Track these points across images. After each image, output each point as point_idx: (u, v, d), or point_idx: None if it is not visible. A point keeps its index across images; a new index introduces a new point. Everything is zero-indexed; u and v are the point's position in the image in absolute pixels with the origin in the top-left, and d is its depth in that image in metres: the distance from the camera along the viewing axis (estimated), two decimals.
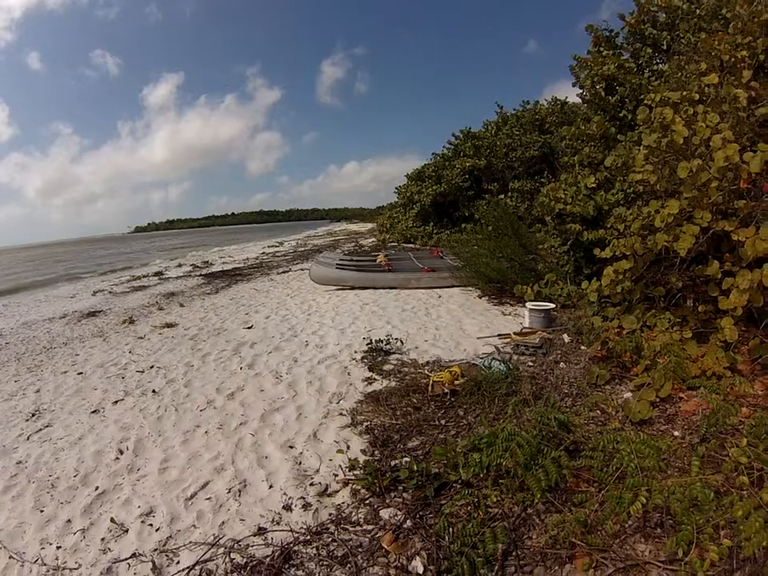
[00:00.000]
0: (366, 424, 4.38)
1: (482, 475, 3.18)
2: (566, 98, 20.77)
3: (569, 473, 2.98)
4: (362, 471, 3.53)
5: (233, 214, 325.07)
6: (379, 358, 6.08)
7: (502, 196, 18.47)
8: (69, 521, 3.60)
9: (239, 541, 3.07)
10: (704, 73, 5.90)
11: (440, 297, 10.06)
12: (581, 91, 11.52)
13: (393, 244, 25.11)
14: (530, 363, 5.63)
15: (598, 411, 4.18)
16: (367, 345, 6.51)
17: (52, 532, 3.50)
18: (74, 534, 3.43)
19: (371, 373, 5.67)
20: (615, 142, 8.40)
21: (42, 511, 3.77)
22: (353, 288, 11.66)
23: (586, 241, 7.87)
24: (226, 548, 3.03)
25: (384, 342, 6.45)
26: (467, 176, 22.73)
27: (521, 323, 7.36)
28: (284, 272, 17.07)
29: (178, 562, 2.99)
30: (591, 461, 3.00)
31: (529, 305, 7.12)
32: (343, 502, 3.33)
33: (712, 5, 8.80)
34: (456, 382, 4.89)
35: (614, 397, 4.49)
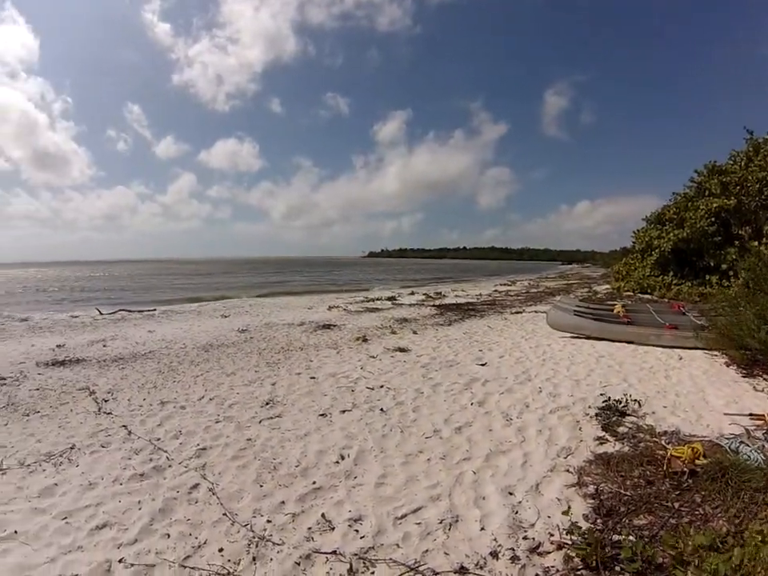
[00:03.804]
0: (592, 487, 3.95)
1: None
2: None
3: None
4: (580, 538, 3.13)
5: (464, 248, 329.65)
6: (614, 418, 5.54)
7: (756, 243, 15.85)
8: (283, 502, 3.88)
9: (438, 573, 2.94)
10: None
11: (681, 359, 8.92)
12: None
13: (628, 293, 23.27)
14: None
15: None
16: (603, 401, 6.03)
17: (266, 507, 3.80)
18: (285, 515, 3.68)
19: (604, 432, 5.18)
20: None
21: (261, 486, 4.15)
22: (588, 337, 11.00)
23: None
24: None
25: (621, 402, 5.92)
26: (713, 219, 19.90)
27: None
28: (517, 312, 16.74)
29: (373, 573, 2.97)
30: None
31: None
32: (553, 566, 3.00)
33: None
34: (697, 462, 4.19)
35: None
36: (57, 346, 11.38)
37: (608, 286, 28.55)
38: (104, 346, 11.32)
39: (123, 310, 20.39)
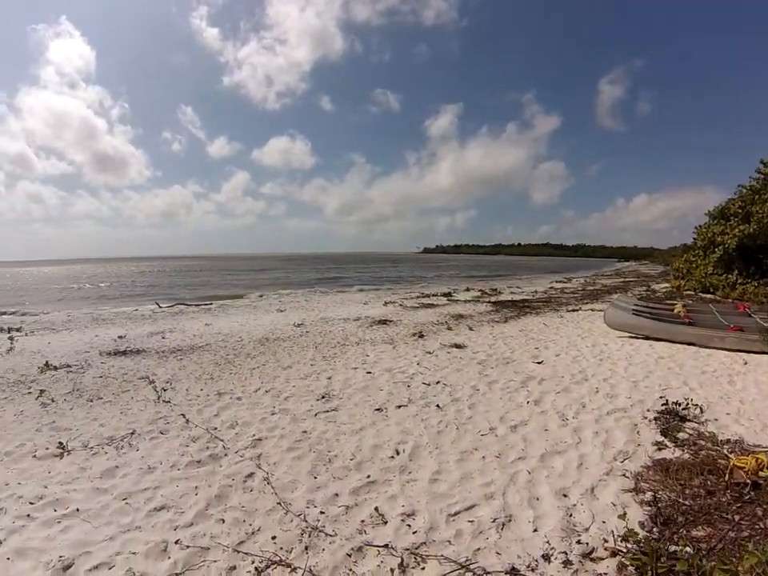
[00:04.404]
0: (649, 494, 3.83)
1: None
2: None
3: None
4: (636, 546, 3.05)
5: (519, 244, 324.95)
6: (673, 423, 5.34)
7: None
8: (336, 494, 3.94)
9: (489, 573, 2.92)
10: None
11: (746, 363, 8.51)
12: None
13: (688, 292, 22.27)
14: None
15: None
16: (662, 405, 5.83)
17: (319, 498, 3.87)
18: (339, 507, 3.74)
19: (663, 437, 5.00)
20: None
21: (315, 478, 4.22)
22: (647, 338, 10.65)
23: None
24: (474, 574, 2.90)
25: (681, 406, 5.69)
26: None
27: None
28: (573, 310, 16.41)
29: (424, 569, 2.98)
30: None
31: None
32: (606, 574, 2.92)
33: None
34: (761, 473, 3.99)
35: None
36: (118, 336, 11.89)
37: (667, 285, 27.46)
38: (163, 337, 11.74)
39: (181, 303, 21.06)
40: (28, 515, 3.69)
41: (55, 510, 3.75)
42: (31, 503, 3.86)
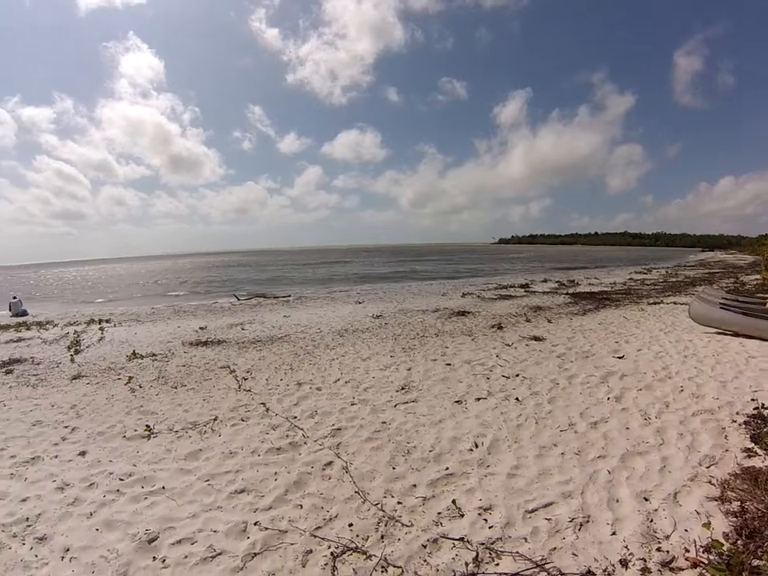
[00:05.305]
0: (736, 504, 3.65)
1: None
2: None
3: None
4: (718, 558, 2.93)
5: (596, 233, 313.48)
6: (765, 429, 5.01)
7: None
8: (414, 485, 4.01)
9: (564, 574, 2.89)
10: None
11: None
12: None
13: None
14: None
15: None
16: (754, 408, 5.50)
17: (397, 488, 3.96)
18: (416, 498, 3.81)
19: (753, 444, 4.71)
20: None
21: (393, 468, 4.32)
22: (736, 334, 9.96)
23: None
24: (549, 574, 2.89)
25: None
26: None
27: None
28: (654, 303, 15.69)
29: (498, 564, 2.99)
30: None
31: None
32: None
33: None
34: None
35: None
36: (199, 327, 12.50)
37: (758, 277, 25.61)
38: (242, 329, 12.22)
39: (259, 295, 21.73)
40: (117, 490, 4.03)
41: (143, 487, 4.08)
42: (121, 480, 4.21)
